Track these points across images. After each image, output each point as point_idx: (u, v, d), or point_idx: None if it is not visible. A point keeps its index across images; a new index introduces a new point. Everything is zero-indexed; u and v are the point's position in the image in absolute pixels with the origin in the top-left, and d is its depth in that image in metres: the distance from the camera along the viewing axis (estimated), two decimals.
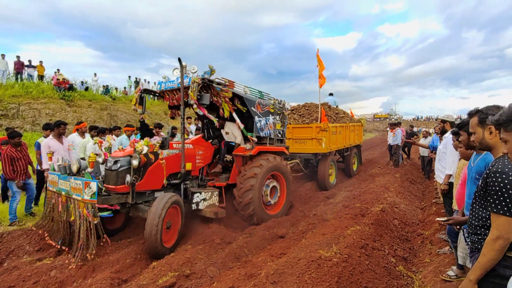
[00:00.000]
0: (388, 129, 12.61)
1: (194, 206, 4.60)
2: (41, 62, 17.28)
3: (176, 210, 4.13)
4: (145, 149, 4.22)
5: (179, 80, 4.57)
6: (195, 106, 4.74)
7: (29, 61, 16.93)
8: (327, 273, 2.84)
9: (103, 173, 4.63)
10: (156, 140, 4.45)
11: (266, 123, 5.78)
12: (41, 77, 16.89)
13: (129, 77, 23.73)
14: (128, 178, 3.98)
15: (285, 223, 5.06)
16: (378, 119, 58.40)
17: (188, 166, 4.84)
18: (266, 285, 2.75)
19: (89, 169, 3.92)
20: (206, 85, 4.76)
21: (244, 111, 5.32)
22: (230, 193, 5.36)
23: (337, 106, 11.19)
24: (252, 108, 5.42)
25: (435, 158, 6.96)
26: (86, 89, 18.30)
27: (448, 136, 4.33)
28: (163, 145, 4.45)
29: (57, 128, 5.54)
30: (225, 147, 5.67)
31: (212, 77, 4.78)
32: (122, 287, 2.96)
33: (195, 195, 4.62)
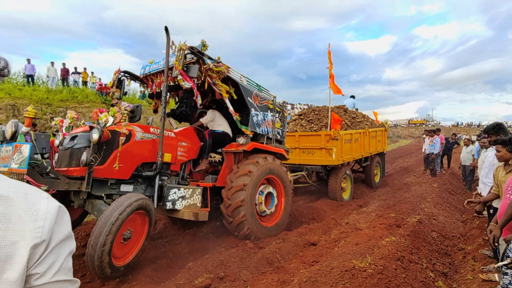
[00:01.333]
0: (424, 136, 12.01)
1: (169, 205, 3.77)
2: (85, 69, 18.61)
3: (142, 217, 3.33)
4: (111, 120, 3.43)
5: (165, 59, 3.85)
6: (179, 77, 3.79)
7: (75, 68, 18.28)
8: (362, 284, 2.79)
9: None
10: (124, 106, 3.59)
11: (264, 119, 5.01)
12: (85, 82, 18.16)
13: None
14: (84, 156, 3.19)
15: (317, 230, 5.01)
16: (413, 125, 55.73)
17: (167, 157, 4.02)
18: None
19: (23, 129, 3.02)
20: (198, 59, 4.04)
21: (235, 98, 4.53)
22: (218, 198, 4.66)
23: (356, 109, 10.18)
24: (249, 98, 4.68)
25: (477, 167, 6.55)
26: (125, 94, 19.36)
27: None
28: (133, 116, 3.64)
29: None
30: (210, 137, 4.74)
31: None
32: (161, 285, 3.11)
33: (172, 191, 3.79)
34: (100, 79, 18.18)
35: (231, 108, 4.43)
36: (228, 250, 3.98)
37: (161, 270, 3.64)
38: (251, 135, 4.65)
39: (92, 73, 18.76)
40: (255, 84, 5.08)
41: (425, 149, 11.11)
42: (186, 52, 3.84)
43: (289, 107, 30.98)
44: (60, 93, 15.40)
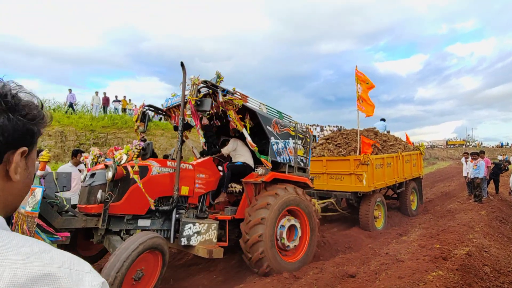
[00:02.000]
0: (463, 159, 11.22)
1: (184, 241, 3.64)
2: (124, 97, 19.97)
3: (155, 256, 3.26)
4: (124, 158, 3.41)
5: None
6: (188, 112, 3.83)
7: (116, 96, 19.70)
8: None
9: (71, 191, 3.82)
10: (135, 144, 3.57)
11: (285, 147, 4.82)
12: (124, 109, 19.42)
13: None
14: (100, 194, 3.23)
15: (355, 260, 4.77)
16: (452, 146, 52.62)
17: (185, 190, 3.99)
18: None
19: (38, 172, 3.04)
20: (212, 92, 4.05)
21: (251, 125, 4.45)
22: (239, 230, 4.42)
23: (388, 132, 9.77)
24: (268, 127, 4.55)
25: None
26: (160, 119, 20.41)
27: None
28: (144, 153, 3.58)
29: (74, 157, 5.63)
30: (229, 170, 4.66)
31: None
32: None
33: (187, 226, 3.68)
34: (135, 106, 19.36)
35: (248, 139, 4.37)
36: (263, 279, 3.89)
37: None
38: (270, 167, 4.45)
39: (130, 100, 20.06)
40: (276, 111, 4.99)
41: (467, 173, 10.40)
42: (200, 86, 3.87)
43: (318, 129, 30.71)
44: (102, 120, 16.57)
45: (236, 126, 4.17)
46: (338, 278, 4.10)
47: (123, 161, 3.41)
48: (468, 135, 60.19)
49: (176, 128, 4.67)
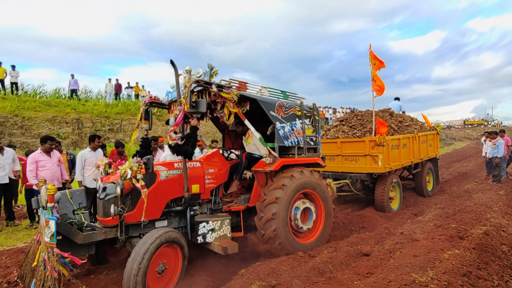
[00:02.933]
0: (483, 138, 10.92)
1: (200, 239, 3.80)
2: (137, 83, 20.15)
3: (175, 250, 3.46)
4: (129, 173, 3.53)
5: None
6: (177, 111, 3.77)
7: (128, 83, 19.89)
8: None
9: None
10: (134, 163, 3.61)
11: (292, 129, 4.73)
12: (137, 95, 19.63)
13: None
14: (112, 209, 3.38)
15: (369, 240, 4.81)
16: (469, 126, 51.04)
17: (195, 188, 4.11)
18: None
19: (49, 205, 3.13)
20: (205, 89, 4.00)
21: (242, 110, 4.30)
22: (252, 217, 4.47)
23: (403, 112, 9.53)
24: (271, 112, 4.46)
25: None
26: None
27: None
28: (147, 168, 3.61)
29: (92, 142, 5.79)
30: (247, 160, 4.73)
31: (214, 80, 4.02)
32: None
33: (201, 225, 3.81)
34: (149, 92, 19.51)
35: (251, 129, 4.33)
36: (279, 258, 3.99)
37: (215, 276, 3.77)
38: (276, 157, 4.38)
39: (143, 86, 20.22)
40: (280, 92, 4.87)
41: (486, 153, 10.12)
42: (192, 87, 3.79)
43: (330, 111, 30.23)
44: (116, 106, 16.85)
45: (227, 120, 4.08)
46: (352, 256, 4.17)
47: (128, 176, 3.52)
48: (487, 114, 58.22)
49: (168, 122, 4.48)
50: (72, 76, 16.97)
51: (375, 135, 6.85)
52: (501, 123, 51.36)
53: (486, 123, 50.82)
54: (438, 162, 10.03)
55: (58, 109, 14.89)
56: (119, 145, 6.17)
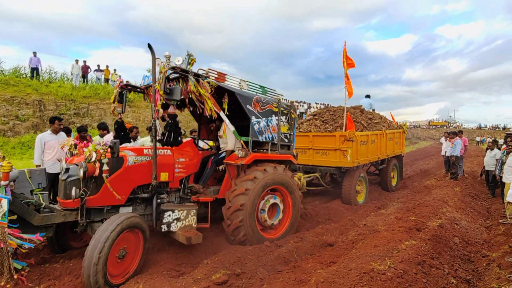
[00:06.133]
0: (443, 138, 11.62)
1: (164, 228, 3.75)
2: (107, 66, 19.13)
3: (136, 234, 3.40)
4: (94, 156, 3.41)
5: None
6: (158, 102, 3.65)
7: (98, 65, 18.85)
8: (381, 287, 2.75)
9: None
10: (100, 146, 3.52)
11: (267, 125, 4.75)
12: (107, 80, 18.68)
13: None
14: (74, 191, 3.24)
15: (334, 231, 4.96)
16: (434, 127, 54.09)
17: (164, 176, 4.05)
18: None
19: (2, 183, 3.04)
20: (183, 77, 3.92)
21: (228, 105, 4.30)
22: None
23: (373, 110, 9.86)
24: (248, 106, 4.43)
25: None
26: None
27: None
28: (112, 151, 3.46)
29: (52, 124, 5.41)
30: (213, 166, 4.76)
31: (192, 68, 3.90)
32: (179, 279, 3.18)
33: (166, 214, 3.75)
34: (120, 76, 18.64)
35: (226, 121, 4.29)
36: (245, 247, 4.00)
37: (179, 265, 3.71)
38: (248, 152, 4.39)
39: (115, 70, 19.24)
40: (258, 86, 4.83)
41: (445, 151, 10.78)
42: (168, 73, 3.72)
43: (305, 106, 30.65)
44: (83, 89, 15.92)
45: (210, 111, 3.97)
46: (317, 246, 4.28)
47: (93, 158, 3.40)
48: (450, 116, 61.95)
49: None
50: (35, 54, 15.68)
51: (345, 130, 7.05)
52: (462, 125, 54.90)
53: (448, 125, 54.06)
54: (403, 160, 10.53)
55: (17, 89, 13.80)
56: (81, 129, 5.86)
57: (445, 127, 49.89)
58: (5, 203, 2.88)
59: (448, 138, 10.42)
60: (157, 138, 3.93)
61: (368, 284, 2.80)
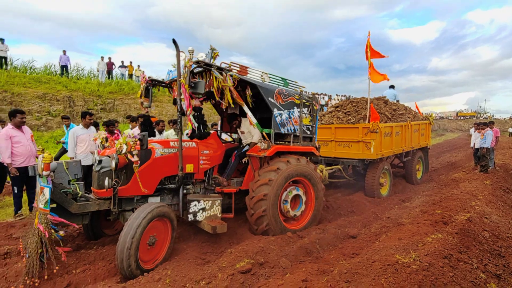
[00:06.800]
0: (472, 129, 11.11)
1: (191, 217, 3.88)
2: (131, 62, 19.69)
3: (164, 223, 3.58)
4: (124, 148, 3.55)
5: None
6: (182, 95, 3.82)
7: (122, 61, 19.45)
8: (406, 279, 2.73)
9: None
10: (130, 138, 3.64)
11: (289, 117, 4.78)
12: (130, 75, 19.25)
13: None
14: (107, 182, 3.48)
15: (356, 223, 4.93)
16: (462, 118, 51.62)
17: (189, 168, 4.18)
18: (340, 283, 2.77)
19: (44, 173, 3.18)
20: (206, 71, 4.00)
21: (251, 98, 4.38)
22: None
23: (397, 101, 9.55)
24: (270, 98, 4.48)
25: None
26: None
27: None
28: (141, 144, 3.61)
29: (83, 119, 5.68)
30: (237, 159, 4.84)
31: (215, 62, 3.98)
32: (205, 267, 3.30)
33: (192, 203, 3.89)
34: (143, 72, 19.12)
35: (249, 114, 4.34)
36: (268, 237, 4.07)
37: (204, 254, 3.84)
38: (271, 143, 4.46)
39: (138, 66, 19.76)
40: (280, 79, 4.87)
41: (473, 143, 10.30)
42: (192, 67, 3.81)
43: (326, 98, 30.13)
44: (109, 85, 16.52)
45: (229, 104, 4.05)
46: (339, 238, 4.28)
47: (123, 151, 3.56)
48: (480, 106, 58.80)
49: (175, 102, 4.43)
50: (64, 52, 16.46)
51: (369, 122, 6.93)
52: (493, 115, 52.03)
53: (478, 115, 51.41)
54: (429, 152, 10.19)
55: (48, 86, 14.55)
56: (109, 123, 6.12)
57: (474, 118, 47.47)
58: (47, 192, 3.09)
59: (477, 129, 9.94)
60: (187, 131, 4.07)
61: (392, 276, 2.79)
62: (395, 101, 9.45)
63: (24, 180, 5.33)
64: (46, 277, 3.13)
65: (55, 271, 3.16)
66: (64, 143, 6.75)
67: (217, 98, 4.11)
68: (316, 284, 2.78)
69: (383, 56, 7.62)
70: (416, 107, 9.98)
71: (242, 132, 5.10)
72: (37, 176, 3.38)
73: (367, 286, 2.67)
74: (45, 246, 3.09)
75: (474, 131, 10.81)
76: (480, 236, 4.28)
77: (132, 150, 3.55)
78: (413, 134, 8.46)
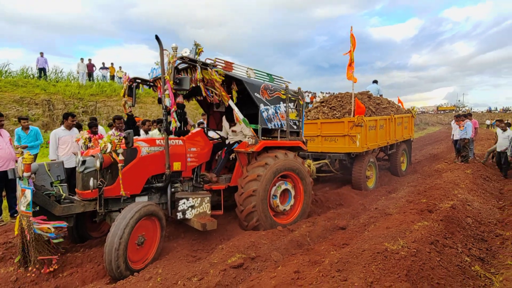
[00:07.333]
0: (453, 121, 11.49)
1: (180, 215, 3.82)
2: (112, 64, 19.28)
3: (153, 222, 3.50)
4: (109, 147, 3.47)
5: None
6: (167, 92, 3.73)
7: (103, 63, 19.01)
8: (395, 266, 2.78)
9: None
10: (114, 136, 3.56)
11: (276, 112, 4.77)
12: (112, 77, 18.84)
13: None
14: (91, 182, 3.38)
15: (345, 215, 5.00)
16: (442, 112, 53.27)
17: (177, 165, 4.12)
18: (331, 272, 2.80)
19: (25, 174, 3.09)
20: (191, 67, 3.95)
21: (236, 94, 4.35)
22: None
23: (381, 95, 9.80)
24: (256, 94, 4.44)
25: None
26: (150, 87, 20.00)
27: None
28: (126, 142, 3.50)
29: (65, 120, 5.57)
30: (227, 155, 4.81)
31: (199, 58, 3.89)
32: (196, 263, 3.27)
33: (181, 201, 3.83)
34: (126, 73, 18.75)
35: (236, 110, 4.32)
36: (258, 232, 4.08)
37: (195, 251, 3.80)
38: (258, 138, 4.46)
39: (120, 67, 19.38)
40: (265, 74, 4.84)
41: (453, 135, 10.64)
42: (176, 64, 3.75)
43: (310, 95, 30.43)
44: (90, 87, 16.10)
45: (220, 99, 4.02)
46: (329, 230, 4.33)
47: (108, 149, 3.47)
48: (459, 100, 60.90)
49: (160, 101, 4.35)
50: (42, 54, 15.89)
51: (353, 116, 7.02)
52: (471, 109, 53.94)
53: (457, 109, 53.20)
54: (412, 145, 10.46)
55: (26, 90, 14.03)
56: (91, 125, 5.97)
57: (453, 112, 49.11)
58: (28, 194, 2.98)
59: (457, 121, 10.28)
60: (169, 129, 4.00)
61: (382, 263, 2.84)
62: (378, 96, 9.65)
63: (3, 184, 5.13)
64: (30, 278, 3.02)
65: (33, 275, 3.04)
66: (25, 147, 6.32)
67: (205, 93, 4.06)
68: (308, 274, 2.79)
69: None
70: (399, 101, 10.23)
71: (234, 131, 5.05)
72: (17, 179, 3.25)
73: (358, 274, 2.70)
74: (28, 250, 2.98)
75: (454, 123, 11.17)
76: (464, 222, 4.42)
77: (117, 148, 3.45)
78: (397, 127, 8.68)
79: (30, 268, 3.06)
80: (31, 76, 16.22)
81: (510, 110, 49.64)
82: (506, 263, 3.38)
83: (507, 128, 8.18)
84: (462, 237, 3.95)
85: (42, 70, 15.91)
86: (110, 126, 6.51)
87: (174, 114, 3.84)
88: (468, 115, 10.28)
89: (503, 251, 3.77)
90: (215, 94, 4.02)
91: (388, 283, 2.51)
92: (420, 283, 2.63)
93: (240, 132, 4.98)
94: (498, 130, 8.61)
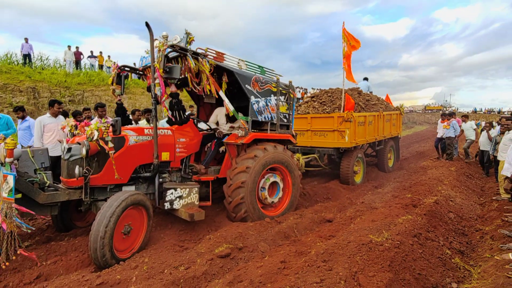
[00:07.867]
0: (439, 121, 11.75)
1: (167, 205, 3.81)
2: (101, 52, 18.81)
3: (140, 211, 3.47)
4: (96, 135, 3.39)
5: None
6: (157, 80, 3.64)
7: (91, 51, 18.54)
8: (379, 256, 2.85)
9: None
10: (101, 124, 3.49)
11: (266, 105, 4.74)
12: (101, 66, 18.40)
13: None
14: (77, 170, 3.29)
15: (332, 208, 5.07)
16: (429, 111, 54.34)
17: (165, 156, 4.07)
18: (317, 262, 2.85)
19: (7, 160, 3.02)
20: (182, 56, 3.89)
21: (226, 85, 4.32)
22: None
23: (371, 92, 9.94)
24: (247, 85, 4.42)
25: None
26: (139, 77, 19.62)
27: None
28: (114, 129, 3.45)
29: (51, 107, 5.36)
30: (217, 147, 4.75)
31: (190, 47, 3.84)
32: (184, 253, 3.26)
33: (169, 192, 3.81)
34: (115, 62, 18.34)
35: (226, 101, 4.28)
36: (246, 223, 4.10)
37: (182, 241, 3.80)
38: (248, 129, 4.45)
39: (109, 56, 18.91)
40: (257, 67, 4.80)
41: (437, 132, 10.86)
42: (167, 52, 3.68)
43: (302, 91, 30.52)
44: (78, 76, 15.70)
45: (210, 91, 3.95)
46: (316, 222, 4.39)
47: (95, 137, 3.38)
48: (446, 100, 62.10)
49: (149, 89, 4.26)
50: (26, 40, 15.32)
51: (343, 111, 7.09)
52: (457, 109, 55.14)
53: (444, 109, 54.33)
54: (400, 142, 10.65)
55: (10, 76, 13.57)
56: (77, 113, 5.85)
57: (440, 112, 50.10)
58: (11, 180, 2.89)
59: (442, 120, 10.50)
60: (165, 119, 3.93)
61: (366, 254, 2.91)
62: (368, 92, 9.76)
63: None
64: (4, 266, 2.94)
65: (7, 264, 2.95)
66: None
67: (192, 85, 4.02)
68: (294, 264, 2.84)
69: (358, 47, 7.72)
70: (388, 98, 10.37)
71: (232, 127, 5.02)
72: None
73: (343, 264, 2.76)
74: (4, 238, 2.89)
75: (440, 122, 11.40)
76: (446, 217, 4.56)
77: (104, 136, 3.38)
78: (385, 123, 8.81)
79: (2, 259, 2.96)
80: (16, 62, 15.69)
81: (494, 111, 51.01)
82: (484, 256, 3.51)
83: (491, 128, 8.41)
84: (444, 231, 4.07)
85: (27, 57, 15.38)
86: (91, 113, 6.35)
87: (165, 103, 3.80)
88: (452, 114, 10.52)
89: (482, 244, 3.91)
90: (203, 85, 3.95)
91: (371, 273, 2.57)
92: (402, 273, 2.70)
93: (237, 128, 4.94)
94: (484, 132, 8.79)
